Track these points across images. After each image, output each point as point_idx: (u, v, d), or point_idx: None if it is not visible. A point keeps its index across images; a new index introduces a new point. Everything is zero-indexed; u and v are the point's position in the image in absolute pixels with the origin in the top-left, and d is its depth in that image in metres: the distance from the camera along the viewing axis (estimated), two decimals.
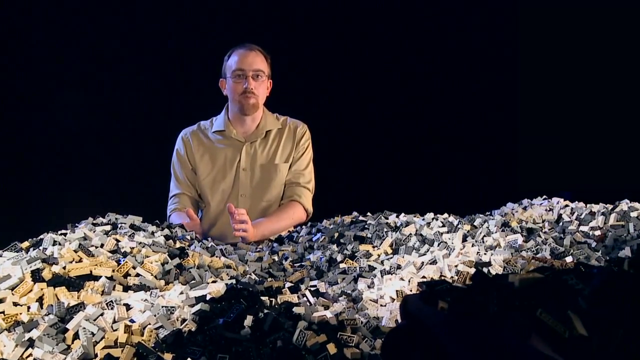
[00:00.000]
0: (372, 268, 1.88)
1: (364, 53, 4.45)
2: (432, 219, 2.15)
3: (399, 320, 1.22)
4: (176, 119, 3.09)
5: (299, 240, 2.33)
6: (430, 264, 1.77)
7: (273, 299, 1.47)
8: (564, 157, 4.15)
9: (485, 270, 1.64)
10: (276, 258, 2.14)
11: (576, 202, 2.42)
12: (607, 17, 4.05)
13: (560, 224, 2.17)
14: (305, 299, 1.52)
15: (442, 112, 4.48)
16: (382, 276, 1.79)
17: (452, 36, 4.46)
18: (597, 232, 2.01)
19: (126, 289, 1.53)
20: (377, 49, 4.46)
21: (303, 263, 2.08)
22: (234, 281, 1.53)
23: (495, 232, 1.92)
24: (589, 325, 0.78)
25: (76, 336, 1.30)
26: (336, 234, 2.22)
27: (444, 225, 2.05)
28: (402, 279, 1.73)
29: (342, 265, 1.93)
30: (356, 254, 1.98)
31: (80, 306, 1.37)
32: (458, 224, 2.03)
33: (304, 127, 3.05)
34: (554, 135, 4.21)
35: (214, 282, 1.56)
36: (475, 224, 2.07)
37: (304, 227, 2.47)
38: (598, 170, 4.00)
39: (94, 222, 1.96)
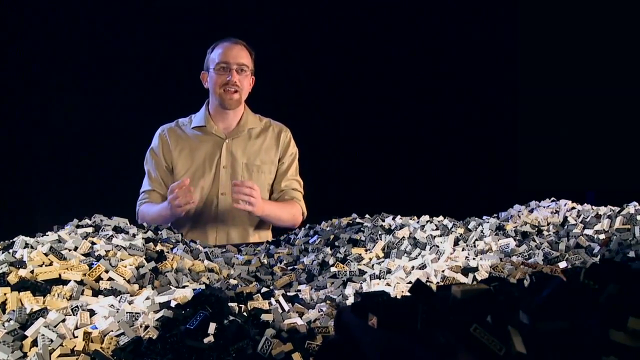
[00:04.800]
0: (362, 272, 1.82)
1: (364, 54, 4.40)
2: (427, 221, 2.08)
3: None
4: (174, 118, 3.04)
5: (296, 243, 2.28)
6: (420, 268, 1.71)
7: (243, 306, 1.41)
8: (573, 158, 4.06)
9: (471, 275, 1.56)
10: (266, 261, 2.09)
11: (585, 204, 2.33)
12: (608, 15, 3.95)
13: (565, 227, 2.08)
14: (277, 305, 1.46)
15: (447, 113, 4.42)
16: (370, 281, 1.73)
17: (451, 35, 4.40)
18: (602, 236, 1.92)
19: (97, 293, 1.49)
20: (376, 49, 4.42)
21: (296, 266, 2.03)
22: (203, 286, 1.47)
23: (488, 236, 1.84)
24: (531, 342, 0.71)
25: (35, 343, 1.26)
26: (332, 237, 2.17)
27: (437, 229, 1.98)
28: (388, 284, 1.67)
29: (332, 269, 1.87)
30: (348, 258, 1.92)
31: (43, 312, 1.33)
32: (452, 227, 1.96)
33: (288, 132, 3.00)
34: (560, 135, 4.11)
35: (183, 287, 1.51)
36: (469, 227, 2.00)
37: (302, 229, 2.43)
38: (610, 171, 3.90)
39: (79, 223, 1.93)
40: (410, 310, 0.74)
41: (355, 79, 4.40)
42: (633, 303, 0.74)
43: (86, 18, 3.88)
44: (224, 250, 2.16)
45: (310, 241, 2.24)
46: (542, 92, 4.21)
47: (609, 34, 3.97)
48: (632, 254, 1.78)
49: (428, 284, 1.63)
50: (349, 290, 1.71)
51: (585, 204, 2.32)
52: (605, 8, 3.95)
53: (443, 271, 1.62)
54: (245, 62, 2.79)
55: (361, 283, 1.74)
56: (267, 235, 2.92)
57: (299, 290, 1.74)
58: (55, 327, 1.28)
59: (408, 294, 0.82)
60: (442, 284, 1.57)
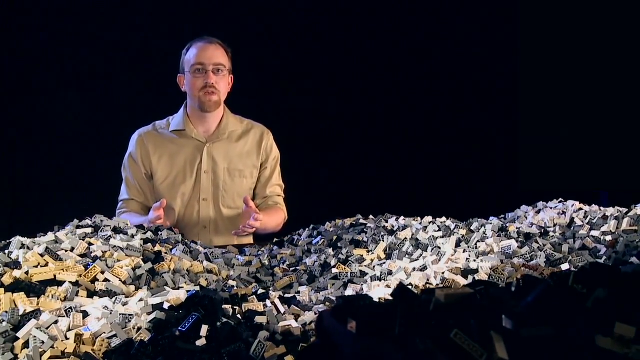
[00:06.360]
0: (363, 274, 1.80)
1: (366, 55, 4.38)
2: (430, 222, 2.05)
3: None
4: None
5: (299, 244, 2.27)
6: (420, 270, 1.68)
7: (237, 308, 1.40)
8: (580, 157, 4.02)
9: (470, 277, 1.54)
10: (267, 262, 2.07)
11: (593, 205, 2.30)
12: (608, 14, 3.90)
13: (572, 228, 2.05)
14: (272, 307, 1.44)
15: (450, 113, 4.40)
16: (371, 282, 1.71)
17: (451, 34, 4.36)
18: (609, 237, 1.88)
19: (92, 295, 1.48)
20: (378, 50, 4.39)
21: (298, 267, 2.02)
22: (198, 288, 1.46)
23: (490, 237, 1.82)
24: (514, 349, 0.69)
25: (26, 345, 1.25)
26: (334, 238, 2.15)
27: (439, 230, 1.95)
28: (388, 286, 1.65)
29: (334, 271, 1.85)
30: (349, 259, 1.90)
31: (36, 313, 1.32)
32: (454, 229, 1.93)
33: (270, 135, 2.94)
34: (563, 134, 4.08)
35: (178, 288, 1.50)
36: (472, 228, 1.97)
37: (306, 229, 2.41)
38: (617, 171, 3.87)
39: (79, 224, 1.92)
40: (390, 315, 0.72)
41: (358, 79, 4.38)
42: (621, 308, 0.72)
43: (81, 18, 3.89)
44: (225, 251, 2.14)
45: (313, 242, 2.23)
46: (544, 92, 4.17)
47: (609, 27, 3.92)
48: (634, 259, 1.74)
49: (428, 286, 1.61)
50: (350, 292, 1.69)
51: (593, 205, 2.29)
52: (605, 6, 3.91)
53: (443, 273, 1.60)
54: (222, 61, 2.71)
55: (362, 285, 1.72)
56: (248, 240, 2.85)
57: (298, 292, 1.73)
58: (47, 328, 1.28)
59: (390, 298, 0.80)
60: (441, 285, 1.55)
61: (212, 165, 2.78)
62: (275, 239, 2.45)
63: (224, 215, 2.78)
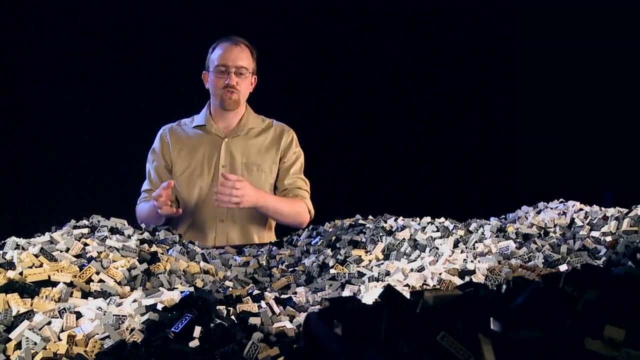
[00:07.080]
0: (361, 274, 1.79)
1: (365, 56, 4.37)
2: (428, 223, 2.04)
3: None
4: (176, 117, 3.01)
5: (298, 244, 2.26)
6: (418, 271, 1.67)
7: (231, 309, 1.39)
8: (582, 157, 4.00)
9: (467, 278, 1.53)
10: (265, 262, 2.06)
11: (594, 205, 2.28)
12: (608, 14, 3.88)
13: (572, 228, 2.03)
14: (267, 308, 1.43)
15: (453, 115, 4.39)
16: (369, 283, 1.70)
17: (452, 36, 4.35)
18: (609, 238, 1.87)
19: (87, 295, 1.47)
20: (379, 51, 4.39)
21: (296, 268, 2.01)
22: (192, 289, 1.45)
23: (488, 238, 1.80)
24: (501, 352, 0.68)
25: (19, 346, 1.24)
26: (333, 238, 2.14)
27: (438, 230, 1.94)
28: (384, 287, 1.63)
29: (332, 271, 1.84)
30: (347, 259, 1.89)
31: (29, 314, 1.31)
32: (453, 229, 1.92)
33: (291, 133, 2.95)
34: (564, 134, 4.06)
35: (172, 289, 1.49)
36: (470, 228, 1.96)
37: (305, 230, 2.40)
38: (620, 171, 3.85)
39: (76, 224, 1.92)
40: (377, 318, 0.71)
41: (358, 80, 4.37)
42: (611, 310, 0.70)
43: (87, 15, 3.88)
44: (223, 251, 2.13)
45: (312, 242, 2.21)
46: (543, 92, 4.15)
47: (610, 27, 3.91)
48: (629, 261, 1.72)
49: (425, 287, 1.60)
50: (347, 293, 1.68)
51: (594, 205, 2.27)
52: (605, 6, 3.89)
53: (440, 274, 1.58)
54: (245, 64, 2.74)
55: (359, 285, 1.71)
56: (269, 235, 2.87)
57: (295, 293, 1.72)
58: (40, 329, 1.27)
59: (379, 299, 0.79)
60: (438, 286, 1.54)
61: (230, 160, 2.81)
62: (274, 239, 2.44)
63: (245, 212, 2.77)
